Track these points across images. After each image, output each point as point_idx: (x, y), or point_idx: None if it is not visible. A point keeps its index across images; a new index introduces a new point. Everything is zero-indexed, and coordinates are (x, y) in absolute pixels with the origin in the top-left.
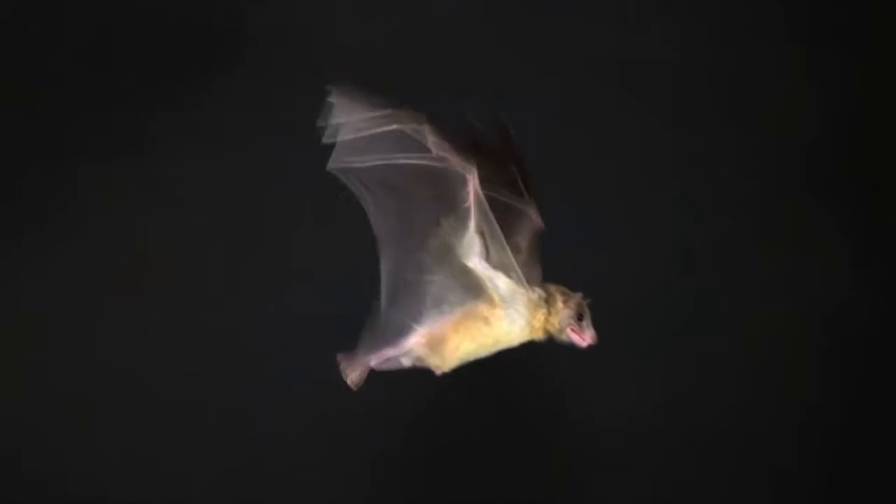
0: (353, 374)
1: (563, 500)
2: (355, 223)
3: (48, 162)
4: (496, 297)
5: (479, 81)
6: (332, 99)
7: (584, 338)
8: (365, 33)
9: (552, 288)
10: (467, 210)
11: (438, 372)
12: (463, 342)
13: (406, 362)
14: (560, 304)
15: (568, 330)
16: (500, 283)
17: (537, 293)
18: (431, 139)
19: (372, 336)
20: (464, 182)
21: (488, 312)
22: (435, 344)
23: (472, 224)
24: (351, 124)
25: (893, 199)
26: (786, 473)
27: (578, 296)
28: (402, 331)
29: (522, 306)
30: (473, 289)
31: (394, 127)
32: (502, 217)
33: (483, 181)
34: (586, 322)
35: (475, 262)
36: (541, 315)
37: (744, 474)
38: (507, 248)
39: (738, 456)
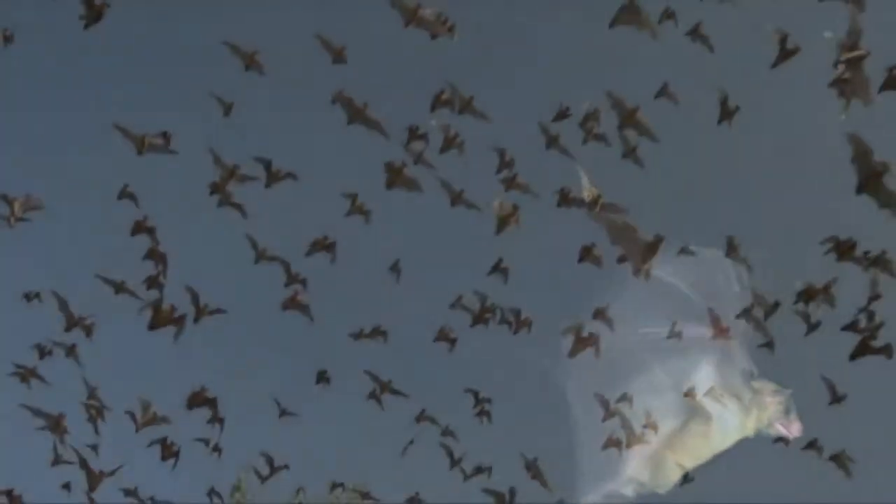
0: None
1: None
2: None
3: None
4: (713, 416)
5: None
6: None
7: (791, 430)
8: None
9: (757, 384)
10: None
11: (663, 491)
12: (682, 459)
13: (629, 492)
14: (768, 401)
15: (777, 424)
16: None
17: (750, 395)
18: None
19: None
20: None
21: (705, 428)
22: (655, 465)
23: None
24: None
25: None
26: None
27: (787, 393)
28: (619, 461)
29: (736, 417)
30: (689, 410)
31: None
32: None
33: None
34: (793, 416)
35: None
36: (753, 415)
37: None
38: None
39: None
